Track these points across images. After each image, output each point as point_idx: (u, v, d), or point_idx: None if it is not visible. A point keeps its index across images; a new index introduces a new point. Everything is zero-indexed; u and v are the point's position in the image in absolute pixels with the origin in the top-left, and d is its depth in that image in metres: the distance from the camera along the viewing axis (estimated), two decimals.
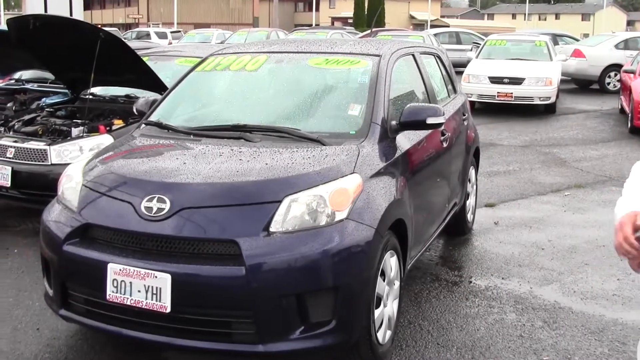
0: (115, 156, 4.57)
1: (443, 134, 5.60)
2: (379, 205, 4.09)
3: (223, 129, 4.70)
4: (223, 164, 4.13)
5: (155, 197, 3.88)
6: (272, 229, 3.74)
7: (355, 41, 5.99)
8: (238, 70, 5.34)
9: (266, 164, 4.10)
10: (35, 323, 4.88)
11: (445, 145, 5.63)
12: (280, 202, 3.81)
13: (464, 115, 6.67)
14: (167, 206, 3.83)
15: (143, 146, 4.77)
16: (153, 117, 5.11)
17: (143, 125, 5.08)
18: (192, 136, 4.69)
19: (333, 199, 3.88)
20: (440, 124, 4.82)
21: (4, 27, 8.49)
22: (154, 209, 3.84)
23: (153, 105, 5.29)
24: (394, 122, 4.73)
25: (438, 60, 6.63)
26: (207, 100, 5.48)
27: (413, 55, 5.82)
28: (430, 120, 4.69)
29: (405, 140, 4.85)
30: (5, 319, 4.96)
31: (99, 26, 7.18)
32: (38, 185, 6.77)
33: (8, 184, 6.91)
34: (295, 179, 3.95)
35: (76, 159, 5.55)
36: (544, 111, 16.35)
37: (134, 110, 5.48)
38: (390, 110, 4.78)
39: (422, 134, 5.14)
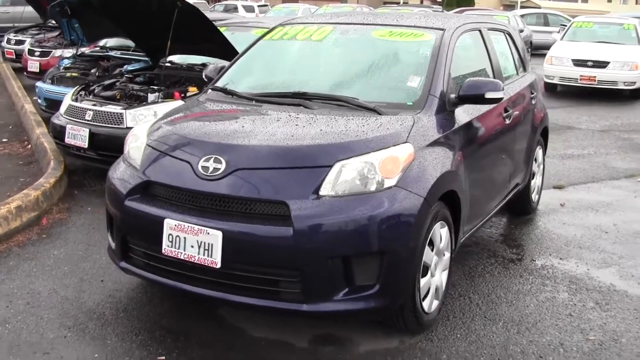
0: (179, 118, 4.74)
1: (506, 111, 5.59)
2: (430, 175, 4.14)
3: (284, 96, 4.83)
4: (279, 128, 4.25)
5: (212, 157, 4.03)
6: (321, 192, 3.84)
7: (421, 15, 6.00)
8: (304, 40, 5.45)
9: (321, 130, 4.19)
10: (100, 275, 5.13)
11: (507, 122, 5.61)
12: (331, 166, 3.90)
13: (532, 94, 6.60)
14: (222, 166, 3.98)
15: (206, 110, 4.94)
16: (219, 83, 5.29)
17: (210, 91, 5.26)
18: (254, 102, 4.82)
19: (383, 166, 3.95)
20: (499, 99, 4.83)
21: None
22: (210, 169, 3.99)
23: (221, 71, 5.46)
24: (452, 96, 4.75)
25: (508, 37, 6.58)
26: (272, 68, 5.60)
27: (480, 31, 5.80)
28: (489, 95, 4.70)
29: (464, 114, 4.87)
30: (73, 270, 5.23)
31: None
32: (113, 148, 7.00)
33: (85, 145, 7.21)
34: (347, 145, 4.03)
35: None
36: (629, 96, 15.93)
37: (203, 77, 5.66)
38: (450, 83, 4.80)
39: (483, 109, 5.14)
